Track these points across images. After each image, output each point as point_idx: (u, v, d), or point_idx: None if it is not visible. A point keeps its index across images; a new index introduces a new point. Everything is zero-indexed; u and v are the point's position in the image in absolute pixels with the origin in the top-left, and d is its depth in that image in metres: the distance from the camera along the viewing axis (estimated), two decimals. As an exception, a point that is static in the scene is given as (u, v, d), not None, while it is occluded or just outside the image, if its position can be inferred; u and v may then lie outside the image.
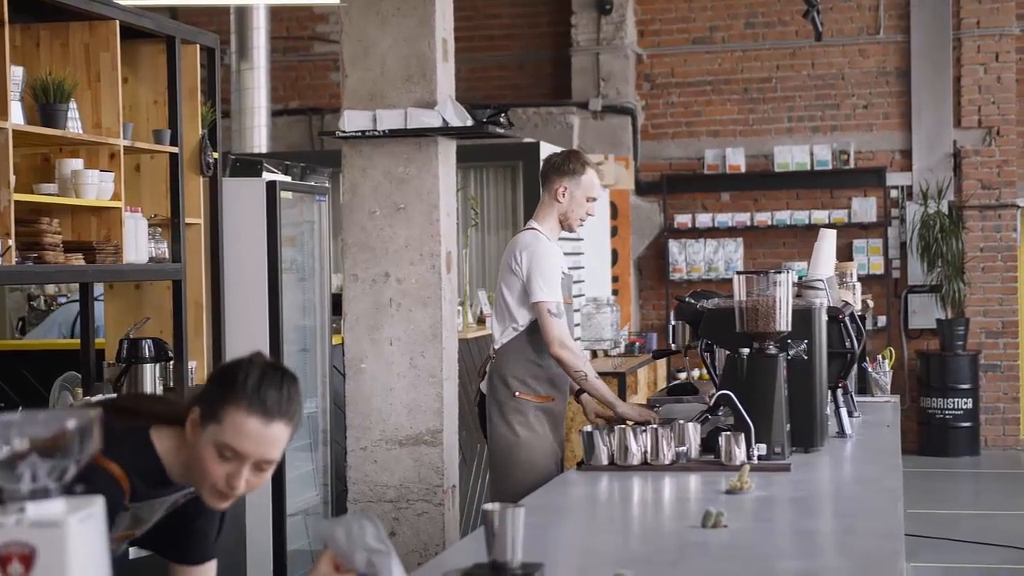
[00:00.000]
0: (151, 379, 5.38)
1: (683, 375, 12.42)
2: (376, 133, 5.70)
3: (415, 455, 5.68)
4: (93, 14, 5.09)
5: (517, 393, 5.16)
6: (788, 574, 2.89)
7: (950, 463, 11.92)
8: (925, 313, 12.49)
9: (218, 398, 2.56)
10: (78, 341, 5.72)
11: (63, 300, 8.74)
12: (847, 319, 5.03)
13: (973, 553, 8.40)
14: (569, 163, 5.27)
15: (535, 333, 5.14)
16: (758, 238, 12.78)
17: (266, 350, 6.26)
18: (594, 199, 5.30)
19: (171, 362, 5.53)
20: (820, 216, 12.49)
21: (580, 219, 5.28)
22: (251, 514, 5.97)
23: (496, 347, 5.28)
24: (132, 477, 2.59)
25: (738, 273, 4.45)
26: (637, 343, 10.98)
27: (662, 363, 11.17)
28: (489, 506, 2.75)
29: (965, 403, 12.14)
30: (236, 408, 2.54)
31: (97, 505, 1.79)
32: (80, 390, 5.42)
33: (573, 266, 10.13)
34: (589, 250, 10.76)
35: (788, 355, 4.43)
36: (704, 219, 12.80)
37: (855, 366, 5.38)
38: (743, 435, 4.20)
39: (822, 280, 5.13)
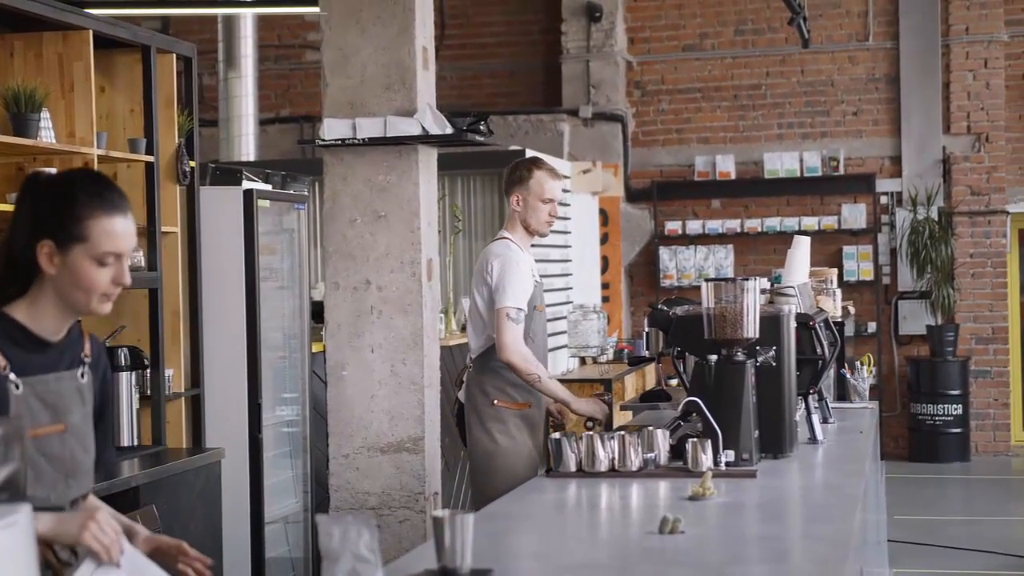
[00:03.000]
0: (127, 387, 5.39)
1: (674, 382, 12.43)
2: (356, 141, 5.72)
3: (397, 462, 5.69)
4: (67, 24, 5.12)
5: (496, 401, 5.24)
6: (736, 579, 2.90)
7: (940, 469, 11.92)
8: (915, 319, 12.50)
9: (69, 222, 2.65)
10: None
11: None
12: (819, 325, 5.04)
13: (960, 559, 8.40)
14: (517, 171, 5.42)
15: None
16: (748, 245, 12.79)
17: (244, 358, 6.30)
18: (550, 200, 5.37)
19: (147, 370, 5.55)
20: (810, 222, 12.50)
21: (545, 222, 5.36)
22: (228, 520, 5.98)
23: (473, 356, 5.36)
24: (2, 345, 2.63)
25: (707, 280, 4.47)
26: (626, 350, 10.99)
27: (651, 370, 11.18)
28: (438, 513, 2.77)
29: (955, 409, 12.15)
30: (95, 219, 2.65)
31: (23, 513, 1.81)
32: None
33: (561, 272, 10.18)
34: (578, 257, 10.78)
35: (756, 362, 4.45)
36: (694, 226, 12.82)
37: (828, 372, 5.39)
38: (710, 442, 4.22)
39: (793, 287, 5.15)
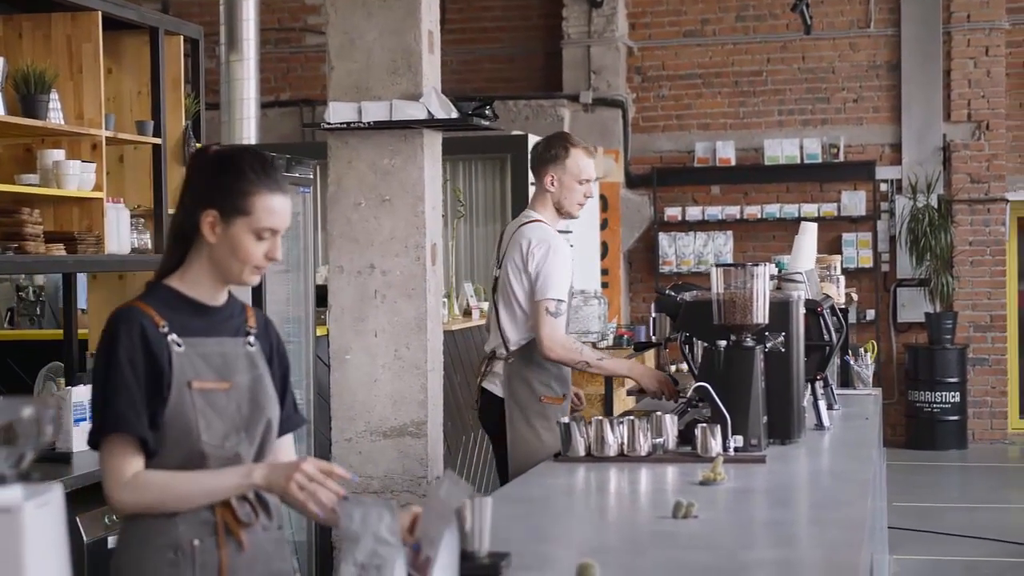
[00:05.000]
0: (133, 370, 5.37)
1: (673, 368, 12.44)
2: (361, 125, 5.71)
3: (400, 446, 5.69)
4: (76, 5, 5.10)
5: (542, 398, 5.05)
6: (752, 563, 2.91)
7: (937, 456, 11.95)
8: (914, 307, 12.52)
9: (235, 195, 2.80)
10: (61, 332, 5.72)
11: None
12: (826, 312, 5.05)
13: (958, 546, 8.43)
14: (551, 149, 5.16)
15: None
16: (748, 231, 12.80)
17: (250, 341, 6.28)
18: (586, 180, 5.15)
19: (154, 353, 5.53)
20: (810, 209, 12.51)
21: (577, 204, 5.16)
22: (234, 504, 5.97)
23: (511, 347, 5.11)
24: (160, 309, 2.81)
25: (716, 266, 4.47)
26: (626, 336, 11.01)
27: (651, 355, 11.20)
28: (457, 496, 2.77)
29: (953, 397, 12.18)
30: (259, 195, 2.80)
31: (54, 493, 1.81)
32: (63, 380, 5.43)
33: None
34: (578, 243, 10.77)
35: (765, 347, 4.45)
36: (694, 212, 12.82)
37: (835, 359, 5.39)
38: (719, 427, 4.22)
39: (801, 273, 5.15)
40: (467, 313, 8.01)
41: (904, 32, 12.59)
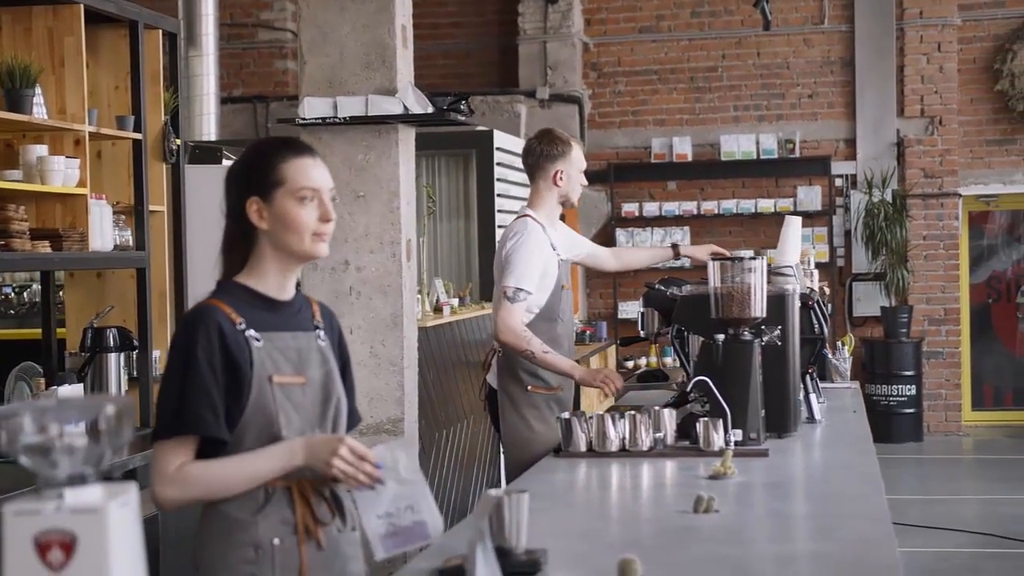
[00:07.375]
0: (115, 368, 5.31)
1: (630, 364, 12.47)
2: (336, 120, 5.66)
3: (376, 444, 5.66)
4: (57, -2, 5.02)
5: (530, 387, 5.12)
6: (787, 557, 2.90)
7: (894, 449, 12.04)
8: (869, 301, 12.62)
9: (266, 172, 2.82)
10: (39, 331, 5.62)
11: (8, 289, 8.62)
12: (815, 305, 5.07)
13: (921, 537, 8.50)
14: (556, 146, 5.24)
15: (541, 323, 5.07)
16: (705, 227, 12.84)
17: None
18: (583, 170, 5.35)
19: (135, 351, 5.46)
20: (766, 205, 12.58)
21: (578, 192, 5.33)
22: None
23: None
24: (233, 305, 2.80)
25: (713, 259, 4.46)
26: (587, 332, 11.03)
27: (612, 351, 11.23)
28: (494, 492, 2.74)
29: (909, 390, 12.29)
30: (286, 162, 2.82)
31: (132, 492, 1.77)
32: (42, 380, 5.33)
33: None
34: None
35: (762, 341, 4.45)
36: (651, 208, 12.85)
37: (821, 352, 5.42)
38: (720, 421, 4.22)
39: (791, 266, 5.17)
40: (438, 309, 7.97)
41: (858, 28, 12.68)
